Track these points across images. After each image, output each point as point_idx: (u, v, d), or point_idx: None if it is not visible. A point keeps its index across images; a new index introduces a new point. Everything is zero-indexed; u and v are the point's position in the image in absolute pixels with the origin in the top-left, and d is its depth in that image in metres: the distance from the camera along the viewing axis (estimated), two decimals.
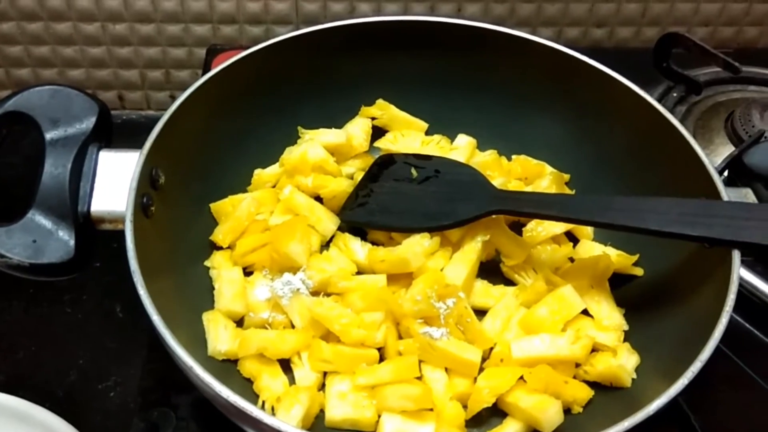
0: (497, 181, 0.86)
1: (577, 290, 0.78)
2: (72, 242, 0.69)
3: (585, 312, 0.79)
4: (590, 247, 0.86)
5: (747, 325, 0.85)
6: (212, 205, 0.85)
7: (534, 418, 0.70)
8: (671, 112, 1.09)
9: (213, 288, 0.81)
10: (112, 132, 0.77)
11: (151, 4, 1.15)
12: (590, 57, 0.87)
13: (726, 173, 0.85)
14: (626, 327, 0.78)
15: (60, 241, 0.69)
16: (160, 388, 0.79)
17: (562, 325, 0.77)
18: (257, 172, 0.90)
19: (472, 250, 0.81)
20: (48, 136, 0.72)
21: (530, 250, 0.84)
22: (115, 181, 0.73)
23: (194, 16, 1.17)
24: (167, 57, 1.22)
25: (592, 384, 0.75)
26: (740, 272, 0.81)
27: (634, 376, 0.74)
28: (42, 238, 0.69)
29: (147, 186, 0.73)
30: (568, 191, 0.90)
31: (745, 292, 0.83)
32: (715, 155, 1.04)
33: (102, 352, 0.89)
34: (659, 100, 1.10)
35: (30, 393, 0.77)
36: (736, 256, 0.69)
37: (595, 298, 0.80)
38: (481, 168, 0.87)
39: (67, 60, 1.21)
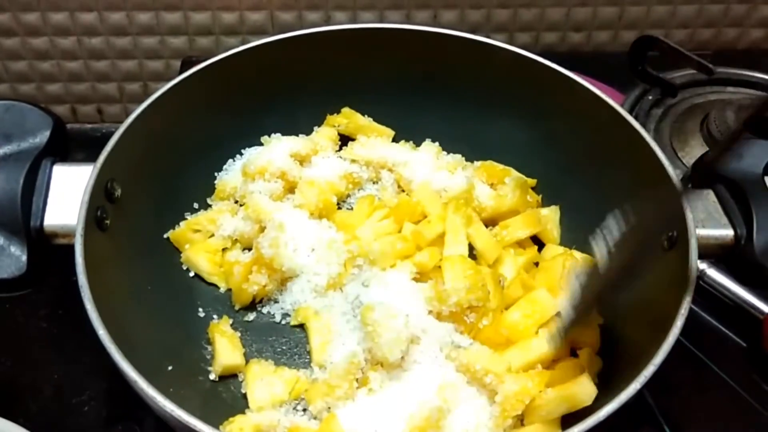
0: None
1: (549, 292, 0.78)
2: (24, 257, 0.70)
3: None
4: (555, 251, 0.85)
5: (720, 326, 0.85)
6: (171, 234, 0.85)
7: (571, 397, 0.69)
8: (647, 114, 1.09)
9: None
10: (69, 146, 0.77)
11: (126, 17, 1.15)
12: (568, 62, 0.87)
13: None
14: (601, 321, 0.78)
15: (12, 256, 0.69)
16: (126, 402, 0.79)
17: (536, 328, 0.76)
18: (220, 181, 0.90)
19: None
20: (0, 151, 0.72)
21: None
22: (69, 195, 0.73)
23: (169, 28, 1.17)
24: (144, 70, 1.22)
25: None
26: (710, 273, 0.82)
27: (596, 381, 0.73)
28: None
29: (102, 199, 0.73)
30: (533, 195, 0.90)
31: (716, 293, 0.83)
32: (690, 157, 1.03)
33: (76, 367, 0.88)
34: (635, 103, 1.10)
35: (4, 408, 0.77)
36: (694, 256, 0.69)
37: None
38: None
39: (44, 75, 1.21)
